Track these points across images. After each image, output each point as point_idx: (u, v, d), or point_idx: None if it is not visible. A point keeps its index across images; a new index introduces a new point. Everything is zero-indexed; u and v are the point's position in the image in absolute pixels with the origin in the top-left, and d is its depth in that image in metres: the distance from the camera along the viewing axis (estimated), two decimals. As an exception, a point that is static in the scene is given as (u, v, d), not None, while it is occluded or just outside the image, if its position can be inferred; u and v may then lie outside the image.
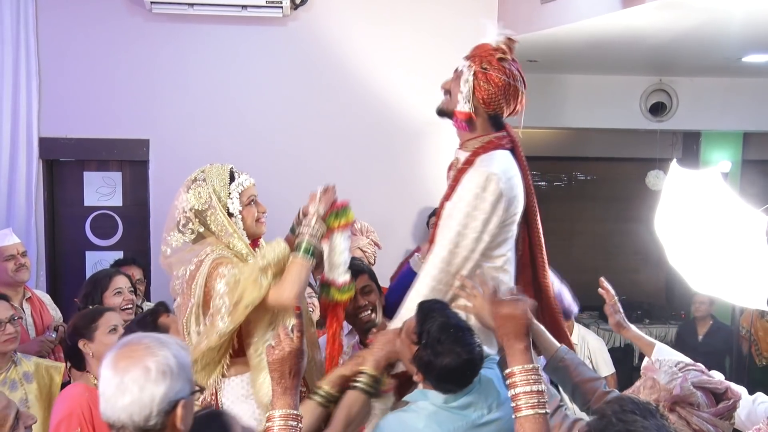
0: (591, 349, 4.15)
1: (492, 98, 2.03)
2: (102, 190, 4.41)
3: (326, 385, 1.93)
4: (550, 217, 7.30)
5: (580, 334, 4.30)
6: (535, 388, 1.54)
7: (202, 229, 2.09)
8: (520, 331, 1.61)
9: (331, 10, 4.35)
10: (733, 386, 1.70)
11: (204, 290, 2.04)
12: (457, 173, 2.07)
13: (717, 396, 1.63)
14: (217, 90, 4.32)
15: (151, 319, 2.40)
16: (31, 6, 4.11)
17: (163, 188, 4.28)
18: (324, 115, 4.37)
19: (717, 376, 1.80)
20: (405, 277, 2.27)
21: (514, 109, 2.10)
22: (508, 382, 1.59)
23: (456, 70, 2.09)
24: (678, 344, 5.34)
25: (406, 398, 1.87)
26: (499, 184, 1.94)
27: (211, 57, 4.30)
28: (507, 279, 2.07)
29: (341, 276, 2.12)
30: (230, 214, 2.12)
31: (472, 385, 1.79)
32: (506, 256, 2.07)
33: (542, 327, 1.97)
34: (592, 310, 6.02)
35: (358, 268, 2.31)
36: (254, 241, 2.19)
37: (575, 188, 7.41)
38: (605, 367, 3.83)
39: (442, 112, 2.14)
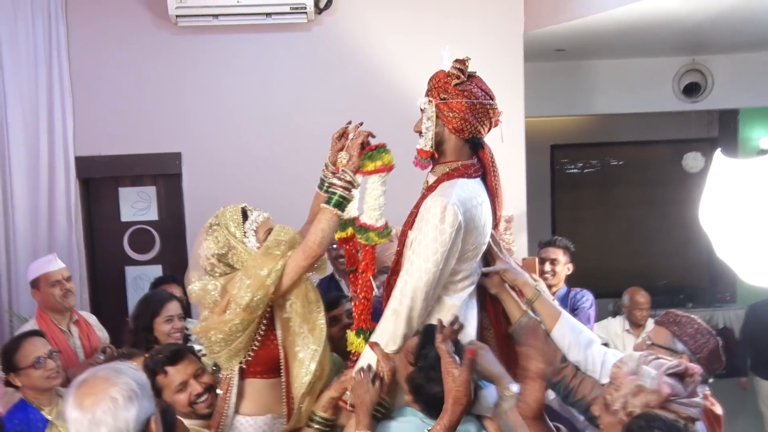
0: None
1: (464, 124, 1.98)
2: (137, 204, 4.46)
3: (319, 411, 2.03)
4: (585, 205, 7.23)
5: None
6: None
7: (229, 271, 2.12)
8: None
9: (354, 11, 4.32)
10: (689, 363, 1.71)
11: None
12: (420, 199, 2.03)
13: (679, 376, 1.65)
14: (245, 99, 4.33)
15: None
16: (63, 27, 4.15)
17: (197, 200, 4.31)
18: (352, 117, 4.33)
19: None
20: None
21: (492, 125, 2.04)
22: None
23: (421, 110, 2.05)
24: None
25: (395, 414, 1.91)
26: (457, 215, 1.87)
27: (238, 66, 4.31)
28: (471, 313, 2.02)
29: (378, 220, 2.11)
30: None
31: None
32: (469, 289, 2.02)
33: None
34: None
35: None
36: None
37: (608, 174, 7.28)
38: None
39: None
